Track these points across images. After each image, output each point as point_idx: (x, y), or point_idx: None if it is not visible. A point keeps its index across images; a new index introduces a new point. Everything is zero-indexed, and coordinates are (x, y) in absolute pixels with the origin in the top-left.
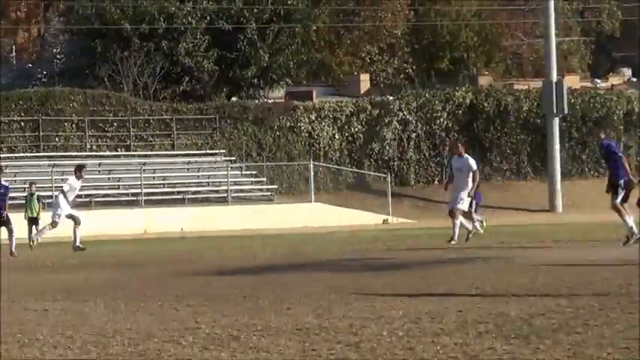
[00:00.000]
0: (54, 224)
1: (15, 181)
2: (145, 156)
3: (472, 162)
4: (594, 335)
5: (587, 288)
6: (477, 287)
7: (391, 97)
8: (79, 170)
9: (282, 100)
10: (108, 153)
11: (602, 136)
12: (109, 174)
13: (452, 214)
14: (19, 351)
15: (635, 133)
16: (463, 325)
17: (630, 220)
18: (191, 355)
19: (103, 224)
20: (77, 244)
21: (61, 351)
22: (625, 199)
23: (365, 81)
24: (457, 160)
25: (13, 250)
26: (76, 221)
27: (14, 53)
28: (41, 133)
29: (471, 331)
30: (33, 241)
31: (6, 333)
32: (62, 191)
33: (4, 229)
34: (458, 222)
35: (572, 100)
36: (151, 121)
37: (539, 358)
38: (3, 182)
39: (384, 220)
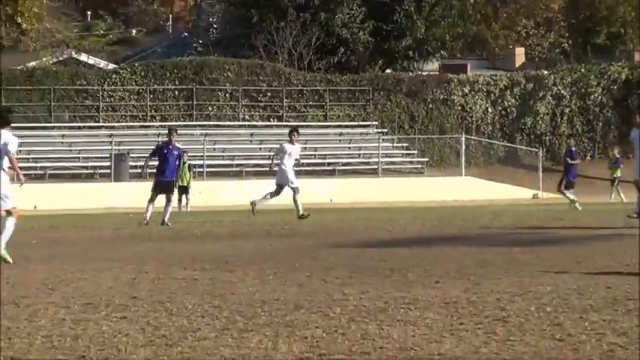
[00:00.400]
0: (296, 190)
1: None
2: (298, 126)
3: None
4: None
5: None
6: (627, 264)
7: (546, 72)
8: (291, 134)
9: (437, 73)
10: (260, 123)
11: None
12: (261, 144)
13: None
14: (168, 319)
15: None
16: (612, 301)
17: None
18: (338, 327)
19: (253, 194)
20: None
21: (208, 320)
22: None
23: (520, 55)
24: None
25: (166, 219)
26: (295, 191)
27: (170, 22)
28: (195, 102)
29: (620, 308)
30: (254, 207)
31: (155, 301)
32: (274, 157)
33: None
34: None
35: None
36: (305, 91)
37: None
38: (176, 144)
39: (534, 195)
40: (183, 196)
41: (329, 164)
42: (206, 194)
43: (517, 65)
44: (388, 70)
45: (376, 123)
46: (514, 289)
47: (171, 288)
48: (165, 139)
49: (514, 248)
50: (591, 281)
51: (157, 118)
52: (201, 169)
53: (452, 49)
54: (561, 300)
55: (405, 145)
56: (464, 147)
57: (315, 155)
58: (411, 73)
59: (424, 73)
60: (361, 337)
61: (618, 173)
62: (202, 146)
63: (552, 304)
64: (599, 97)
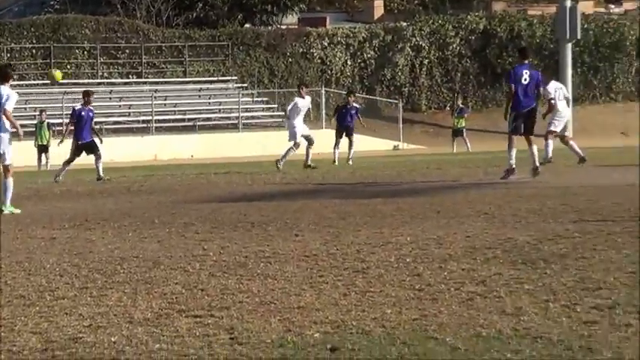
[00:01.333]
0: (296, 145)
1: (25, 108)
2: (157, 83)
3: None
4: (602, 260)
5: (597, 213)
6: (485, 213)
7: (404, 23)
8: (300, 89)
9: (295, 27)
10: (119, 80)
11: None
12: (120, 101)
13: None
14: (26, 279)
15: None
16: (471, 250)
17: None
18: (198, 282)
19: (113, 151)
20: (309, 162)
21: (67, 279)
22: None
23: (379, 7)
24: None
25: (101, 174)
26: (310, 142)
27: None
28: (52, 61)
29: (478, 257)
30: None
31: (13, 261)
32: (285, 112)
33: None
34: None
35: (586, 26)
36: (164, 47)
37: (546, 283)
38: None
39: (394, 146)
40: (43, 155)
41: (189, 120)
42: (66, 152)
43: (376, 17)
44: (247, 25)
45: (236, 78)
46: (374, 240)
47: (29, 248)
48: (81, 103)
49: (374, 199)
50: (450, 231)
51: (14, 77)
52: (61, 128)
53: (310, 2)
54: (421, 250)
55: (265, 99)
56: (324, 100)
57: (175, 111)
58: (270, 28)
59: (283, 27)
60: (221, 292)
61: (463, 123)
62: (61, 104)
63: (412, 254)
64: (458, 48)
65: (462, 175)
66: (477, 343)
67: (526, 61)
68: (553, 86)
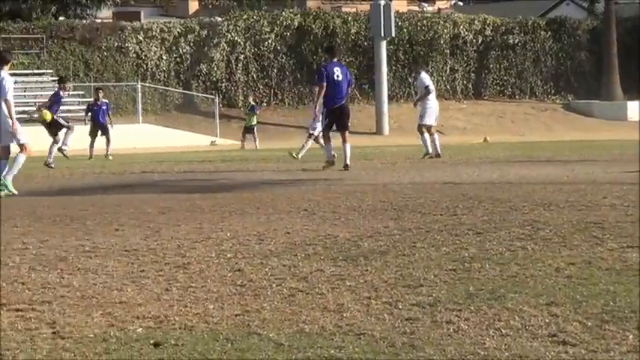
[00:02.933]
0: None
1: None
2: None
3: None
4: (421, 257)
5: (415, 210)
6: (305, 209)
7: (220, 18)
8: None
9: (110, 21)
10: None
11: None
12: None
13: None
14: None
15: (462, 57)
16: (291, 246)
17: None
18: (18, 276)
19: None
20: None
21: None
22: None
23: (194, 2)
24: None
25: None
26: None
27: None
28: None
29: (299, 253)
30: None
31: None
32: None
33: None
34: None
35: (400, 24)
36: None
37: (367, 279)
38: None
39: (211, 142)
40: None
41: None
42: None
43: (191, 12)
44: (62, 18)
45: (51, 71)
46: (194, 235)
47: None
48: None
49: (193, 194)
50: (270, 227)
51: None
52: None
53: None
54: (241, 246)
55: (81, 92)
56: (140, 94)
57: None
58: (84, 21)
59: (98, 21)
60: (42, 286)
61: (254, 120)
62: None
63: (232, 249)
64: (273, 44)
65: (283, 172)
66: (300, 340)
67: (335, 59)
68: None
